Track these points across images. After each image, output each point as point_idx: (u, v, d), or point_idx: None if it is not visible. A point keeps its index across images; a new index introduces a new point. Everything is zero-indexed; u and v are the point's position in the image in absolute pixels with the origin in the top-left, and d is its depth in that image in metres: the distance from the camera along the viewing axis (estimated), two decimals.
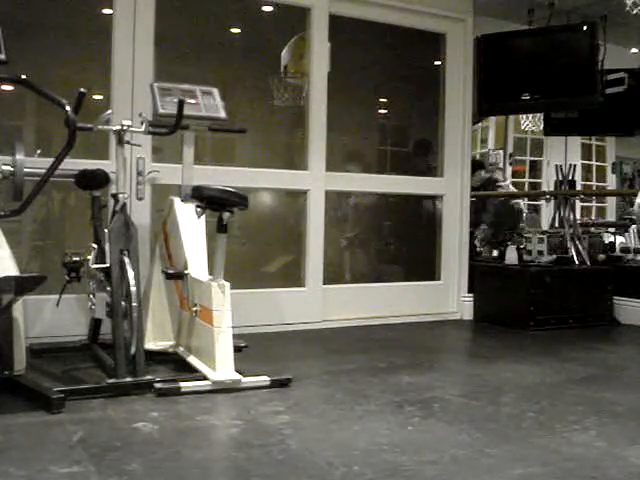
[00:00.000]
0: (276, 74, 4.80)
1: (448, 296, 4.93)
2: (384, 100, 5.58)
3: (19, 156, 2.84)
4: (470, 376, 3.27)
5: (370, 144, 5.51)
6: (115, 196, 3.06)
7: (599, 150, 9.45)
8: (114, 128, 3.10)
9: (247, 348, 3.45)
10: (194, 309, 3.04)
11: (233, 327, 2.92)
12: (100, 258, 3.08)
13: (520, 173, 8.74)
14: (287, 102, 4.84)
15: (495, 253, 5.63)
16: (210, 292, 2.90)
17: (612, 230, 6.79)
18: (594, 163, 9.41)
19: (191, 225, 3.22)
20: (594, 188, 9.39)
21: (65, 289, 3.24)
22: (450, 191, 4.95)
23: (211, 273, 3.03)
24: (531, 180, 8.69)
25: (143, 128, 3.19)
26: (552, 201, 5.85)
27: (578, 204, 6.45)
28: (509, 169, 8.49)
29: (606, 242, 6.05)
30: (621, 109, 5.17)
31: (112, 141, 3.39)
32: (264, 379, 2.92)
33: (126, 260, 2.88)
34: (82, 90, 2.74)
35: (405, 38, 4.89)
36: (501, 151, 8.58)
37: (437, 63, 5.05)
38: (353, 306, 4.54)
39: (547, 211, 6.70)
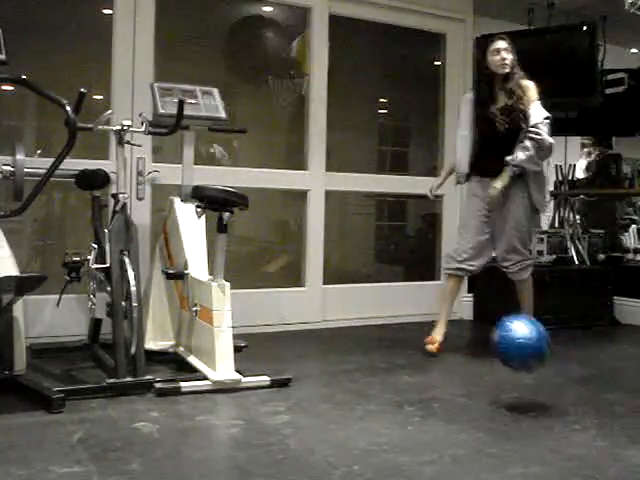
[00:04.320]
0: (277, 74, 4.80)
1: None
2: (384, 100, 5.58)
3: (19, 156, 2.84)
4: (470, 376, 3.27)
5: (370, 144, 5.51)
6: (115, 196, 3.06)
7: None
8: (114, 128, 3.10)
9: (247, 348, 3.45)
10: (194, 309, 3.04)
11: (233, 327, 2.92)
12: (100, 258, 3.08)
13: None
14: (287, 102, 4.84)
15: None
16: (210, 292, 2.90)
17: None
18: None
19: (191, 225, 3.22)
20: None
21: (65, 289, 3.24)
22: (450, 191, 4.94)
23: (211, 273, 3.03)
24: None
25: (143, 128, 3.19)
26: (552, 201, 5.84)
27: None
28: None
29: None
30: (621, 109, 5.16)
31: (112, 141, 3.39)
32: (264, 379, 2.92)
33: (126, 260, 2.88)
34: (82, 90, 2.73)
35: (405, 38, 4.89)
36: None
37: (437, 63, 5.05)
38: (353, 306, 4.54)
39: (547, 211, 6.69)
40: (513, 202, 3.66)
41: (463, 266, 3.75)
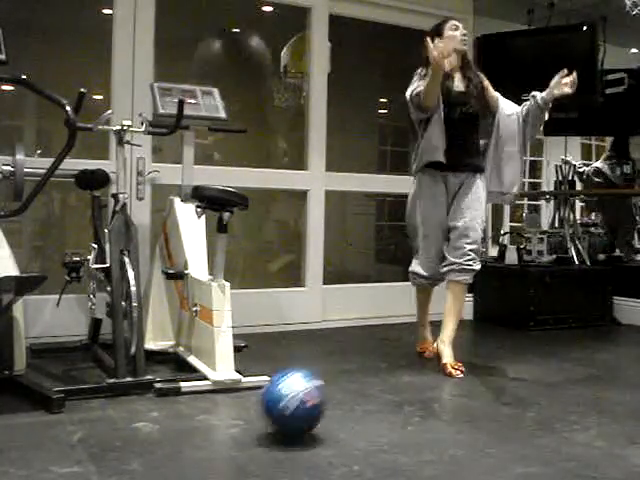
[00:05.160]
0: (276, 74, 4.80)
1: None
2: (384, 100, 5.58)
3: (19, 156, 2.84)
4: (470, 376, 3.26)
5: (370, 144, 5.51)
6: (115, 196, 3.06)
7: (599, 150, 9.44)
8: (114, 128, 3.10)
9: (247, 348, 3.45)
10: (194, 309, 3.04)
11: (233, 327, 2.92)
12: (100, 258, 3.08)
13: None
14: (287, 102, 4.84)
15: None
16: (210, 292, 2.90)
17: None
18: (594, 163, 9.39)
19: (191, 225, 3.22)
20: None
21: (65, 289, 3.24)
22: None
23: (211, 273, 3.03)
24: (531, 180, 8.68)
25: (143, 128, 3.19)
26: (552, 201, 5.84)
27: (578, 204, 6.44)
28: None
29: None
30: (621, 109, 5.16)
31: (112, 141, 3.39)
32: (264, 379, 2.91)
33: (126, 260, 2.88)
34: (82, 90, 2.74)
35: (405, 38, 4.89)
36: None
37: None
38: (353, 306, 4.54)
39: (547, 211, 6.69)
40: (476, 193, 3.37)
41: (435, 277, 3.50)
